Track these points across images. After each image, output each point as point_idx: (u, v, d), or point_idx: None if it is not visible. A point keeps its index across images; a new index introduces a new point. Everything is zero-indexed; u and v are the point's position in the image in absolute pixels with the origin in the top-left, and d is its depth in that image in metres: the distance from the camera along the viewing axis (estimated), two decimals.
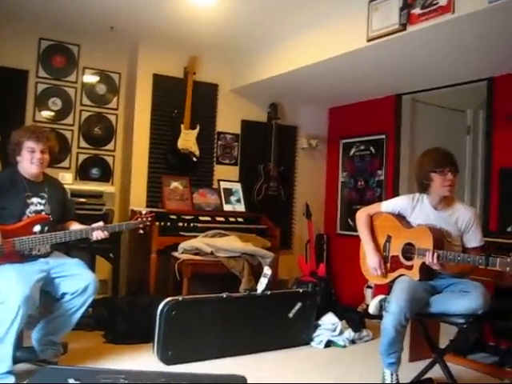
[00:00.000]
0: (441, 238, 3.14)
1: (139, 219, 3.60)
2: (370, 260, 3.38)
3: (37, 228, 3.26)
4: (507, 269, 2.74)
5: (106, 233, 3.41)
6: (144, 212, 3.66)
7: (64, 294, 3.28)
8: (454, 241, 3.20)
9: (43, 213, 3.34)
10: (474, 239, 3.21)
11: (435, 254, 3.00)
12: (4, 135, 4.49)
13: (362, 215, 3.52)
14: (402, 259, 3.26)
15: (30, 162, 3.29)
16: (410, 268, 3.21)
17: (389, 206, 3.45)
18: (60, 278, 3.29)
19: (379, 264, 3.34)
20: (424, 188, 3.29)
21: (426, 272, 3.15)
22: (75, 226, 3.48)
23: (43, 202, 3.38)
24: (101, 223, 3.45)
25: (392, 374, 3.12)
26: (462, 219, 3.21)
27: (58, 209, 3.47)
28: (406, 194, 3.56)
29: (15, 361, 3.06)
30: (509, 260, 2.73)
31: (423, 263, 3.10)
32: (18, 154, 3.32)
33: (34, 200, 3.34)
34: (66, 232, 3.32)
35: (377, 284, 3.60)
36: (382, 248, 3.39)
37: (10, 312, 2.91)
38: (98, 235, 3.38)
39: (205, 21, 4.57)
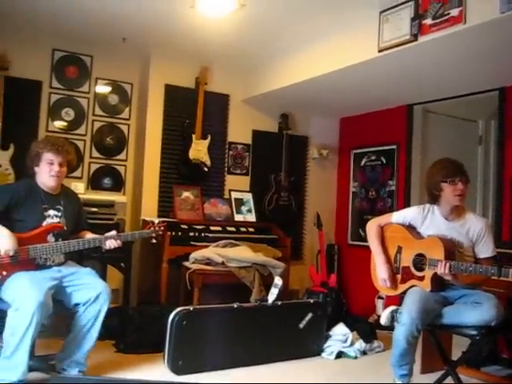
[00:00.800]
0: (452, 249, 3.13)
1: (152, 229, 3.61)
2: (379, 271, 3.38)
3: (51, 238, 3.28)
4: None
5: (118, 242, 3.41)
6: (156, 222, 3.67)
7: (77, 304, 3.27)
8: (465, 251, 3.19)
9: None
10: (485, 250, 3.19)
11: (447, 265, 2.98)
12: (18, 145, 4.58)
13: (372, 226, 3.51)
14: (413, 270, 3.25)
15: (48, 174, 3.30)
16: (421, 279, 3.19)
17: (399, 216, 3.44)
18: (72, 287, 3.30)
19: (389, 276, 3.33)
20: (434, 198, 3.29)
21: (438, 283, 3.13)
22: (88, 235, 3.50)
23: (59, 214, 3.39)
24: (114, 232, 3.46)
25: None
26: (474, 229, 3.20)
27: (73, 221, 3.49)
28: (416, 205, 3.55)
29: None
30: None
31: (435, 274, 3.09)
32: (37, 165, 3.33)
33: (51, 212, 3.35)
34: (80, 240, 3.33)
35: (388, 295, 3.58)
36: (393, 259, 3.38)
37: (25, 319, 2.91)
38: (111, 244, 3.39)
39: (216, 32, 4.60)
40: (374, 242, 3.46)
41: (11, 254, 3.05)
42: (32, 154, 3.35)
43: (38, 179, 3.35)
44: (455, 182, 3.17)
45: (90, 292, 3.27)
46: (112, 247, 3.39)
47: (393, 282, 3.34)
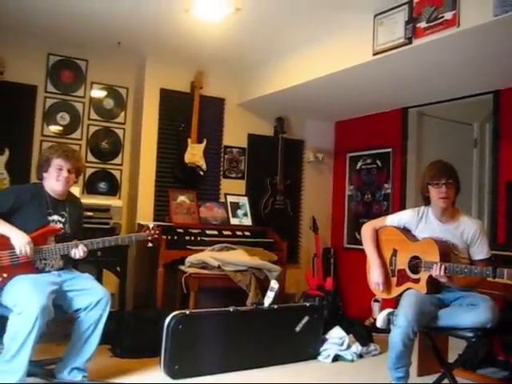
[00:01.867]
0: (447, 251, 3.13)
1: (148, 232, 3.61)
2: (373, 275, 3.38)
3: (52, 241, 3.28)
4: None
5: (85, 249, 3.31)
6: (151, 226, 3.67)
7: (78, 310, 3.27)
8: (460, 253, 3.19)
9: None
10: (480, 251, 3.20)
11: (442, 267, 2.99)
12: (12, 150, 4.58)
13: (367, 229, 3.52)
14: (408, 273, 3.25)
15: (55, 179, 3.32)
16: (417, 281, 3.20)
17: (394, 219, 3.45)
18: (72, 292, 3.30)
19: (382, 280, 3.33)
20: (426, 200, 3.34)
21: (434, 285, 3.14)
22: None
23: (63, 220, 3.40)
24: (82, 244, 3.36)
25: None
26: (468, 232, 3.20)
27: (75, 228, 3.50)
28: (411, 208, 3.56)
29: None
30: None
31: (430, 276, 3.09)
32: (46, 171, 3.36)
33: (55, 218, 3.37)
34: (89, 241, 3.34)
35: (384, 298, 3.58)
36: (389, 262, 3.38)
37: (27, 323, 2.90)
38: (76, 252, 3.29)
39: (211, 36, 4.61)
40: (368, 246, 3.47)
41: (29, 252, 3.08)
42: (42, 160, 3.39)
43: (46, 184, 3.38)
44: (439, 184, 3.18)
45: (91, 297, 3.28)
46: (76, 256, 3.31)
47: (386, 286, 3.35)
